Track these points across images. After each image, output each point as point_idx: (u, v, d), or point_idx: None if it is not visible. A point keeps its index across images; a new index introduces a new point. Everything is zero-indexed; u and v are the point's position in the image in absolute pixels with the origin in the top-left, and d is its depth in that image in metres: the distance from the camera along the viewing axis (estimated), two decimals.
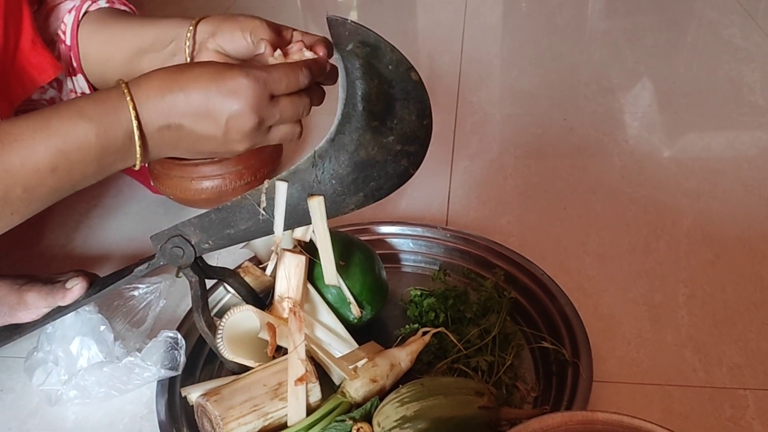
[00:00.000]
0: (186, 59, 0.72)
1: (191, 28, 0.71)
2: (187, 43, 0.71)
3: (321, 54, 0.64)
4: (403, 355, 0.70)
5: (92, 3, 0.77)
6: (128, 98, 0.56)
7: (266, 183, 0.63)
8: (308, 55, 0.64)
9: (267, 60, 0.64)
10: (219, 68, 0.57)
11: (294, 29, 0.70)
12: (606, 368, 0.73)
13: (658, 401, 0.70)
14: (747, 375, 0.72)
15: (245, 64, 0.60)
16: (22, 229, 1.01)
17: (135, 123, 0.56)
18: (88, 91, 0.79)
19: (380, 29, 0.58)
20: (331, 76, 0.65)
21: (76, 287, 0.72)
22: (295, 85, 0.58)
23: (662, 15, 1.57)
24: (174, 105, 0.56)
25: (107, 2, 0.78)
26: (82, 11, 0.76)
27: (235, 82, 0.56)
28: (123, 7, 0.80)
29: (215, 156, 0.61)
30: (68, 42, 0.76)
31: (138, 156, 0.58)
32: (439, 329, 0.72)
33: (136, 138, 0.56)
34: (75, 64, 0.77)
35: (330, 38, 0.60)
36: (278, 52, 0.64)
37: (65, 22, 0.76)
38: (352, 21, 0.57)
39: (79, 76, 0.78)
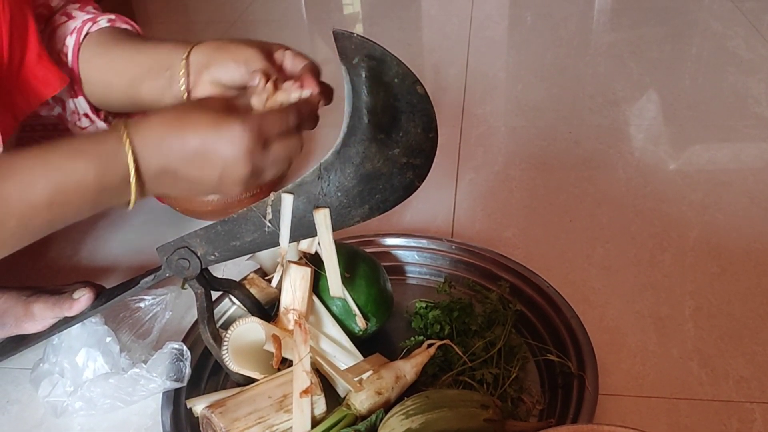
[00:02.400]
0: (181, 90, 0.71)
1: (184, 59, 0.71)
2: (182, 73, 0.71)
3: (310, 88, 0.64)
4: (408, 368, 0.70)
5: (93, 24, 0.77)
6: (126, 144, 0.57)
7: (272, 195, 0.64)
8: (296, 95, 0.63)
9: (259, 92, 0.65)
10: (216, 117, 0.57)
11: (286, 48, 0.69)
12: (612, 381, 0.73)
13: (664, 414, 0.70)
14: (754, 388, 0.72)
15: (239, 107, 0.60)
16: None
17: (132, 168, 0.57)
18: (90, 113, 0.79)
19: (386, 42, 0.59)
20: (325, 98, 0.65)
21: (82, 298, 0.72)
22: (286, 129, 0.59)
23: (667, 27, 1.58)
24: (171, 151, 0.57)
25: (108, 21, 0.77)
26: (83, 34, 0.76)
27: (231, 133, 0.56)
28: (124, 25, 0.79)
29: (210, 195, 0.62)
30: (70, 64, 0.76)
31: (133, 197, 0.59)
32: (444, 341, 0.72)
33: (133, 181, 0.57)
34: (76, 87, 0.77)
35: (324, 58, 0.60)
36: (269, 85, 0.64)
37: (67, 44, 0.76)
38: (358, 35, 0.58)
39: (81, 98, 0.78)
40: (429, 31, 1.71)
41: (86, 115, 0.79)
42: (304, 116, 0.61)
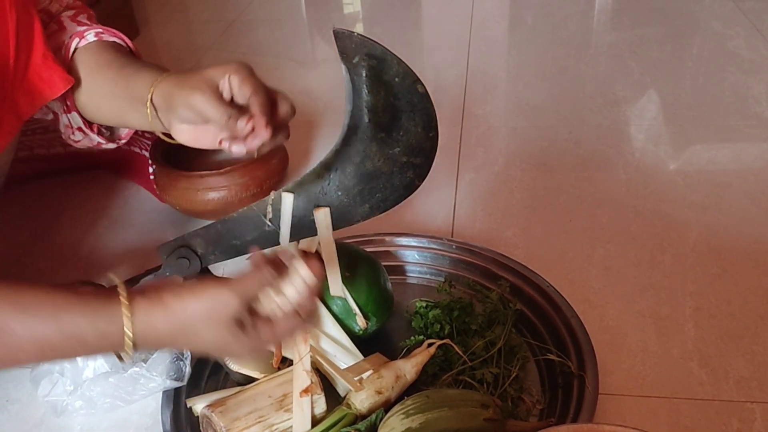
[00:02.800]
0: (154, 125, 0.71)
1: (149, 101, 0.69)
2: (152, 115, 0.69)
3: (260, 136, 0.63)
4: (408, 367, 0.70)
5: (81, 39, 0.75)
6: (127, 328, 0.54)
7: (272, 194, 0.64)
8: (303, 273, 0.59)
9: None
10: (217, 310, 0.55)
11: (233, 73, 0.64)
12: (612, 381, 0.73)
13: (664, 414, 0.70)
14: (754, 388, 0.72)
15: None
16: (30, 239, 1.02)
17: (130, 340, 0.54)
18: (83, 127, 0.78)
19: (386, 42, 0.59)
20: (283, 132, 0.65)
21: None
22: (264, 285, 0.56)
23: (667, 27, 1.58)
24: (172, 336, 0.55)
25: (95, 36, 0.76)
26: (71, 51, 0.75)
27: (228, 311, 0.54)
28: (112, 38, 0.77)
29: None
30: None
31: (129, 352, 0.56)
32: (444, 341, 0.72)
33: (130, 343, 0.55)
34: (69, 103, 0.77)
35: (335, 50, 0.60)
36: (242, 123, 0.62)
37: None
38: (358, 34, 0.58)
39: (74, 114, 0.77)
40: (429, 31, 1.71)
41: (80, 129, 0.79)
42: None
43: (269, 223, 0.64)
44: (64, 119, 0.79)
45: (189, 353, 0.72)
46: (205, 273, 0.69)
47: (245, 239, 0.65)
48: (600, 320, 0.80)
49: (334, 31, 0.58)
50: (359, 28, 1.73)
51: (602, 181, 1.06)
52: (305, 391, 0.65)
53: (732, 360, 0.75)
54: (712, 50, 1.48)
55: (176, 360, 0.72)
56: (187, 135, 0.69)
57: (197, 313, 0.54)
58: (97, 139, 0.81)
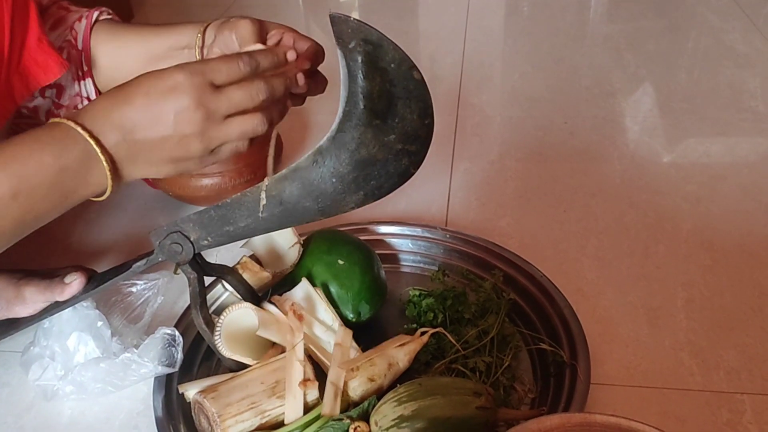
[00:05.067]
0: None
1: (199, 35, 0.73)
2: (197, 49, 0.73)
3: (291, 54, 0.64)
4: (401, 355, 0.70)
5: (99, 13, 0.79)
6: (72, 123, 0.56)
7: (266, 180, 0.63)
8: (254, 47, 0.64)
9: None
10: (156, 72, 0.57)
11: (286, 30, 0.70)
12: (603, 371, 0.73)
13: (655, 404, 0.70)
14: (744, 379, 0.72)
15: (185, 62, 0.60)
16: None
17: (91, 140, 0.56)
18: (94, 96, 0.80)
19: (382, 30, 0.58)
20: (316, 86, 0.66)
21: (74, 282, 0.71)
22: (235, 73, 0.58)
23: (664, 20, 1.57)
24: (122, 116, 0.56)
25: (108, 14, 0.80)
26: (93, 18, 0.78)
27: (172, 79, 0.56)
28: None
29: (182, 166, 0.60)
30: (80, 46, 0.77)
31: (108, 172, 0.57)
32: (437, 329, 0.72)
33: (98, 152, 0.56)
34: (86, 68, 0.78)
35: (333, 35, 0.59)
36: (257, 46, 0.64)
37: (75, 29, 0.77)
38: (354, 19, 0.57)
39: (88, 80, 0.79)
40: (425, 20, 1.70)
41: (88, 98, 0.79)
42: (261, 64, 0.59)
43: (263, 210, 0.64)
44: (74, 88, 0.78)
45: (180, 340, 0.72)
46: (197, 260, 0.69)
47: (239, 225, 0.65)
48: (592, 310, 0.81)
49: (330, 15, 0.58)
50: (355, 16, 1.72)
51: (597, 171, 1.06)
52: (304, 383, 0.65)
53: (723, 351, 0.75)
54: (708, 44, 1.48)
55: (168, 346, 0.72)
56: None
57: (144, 85, 0.56)
58: None
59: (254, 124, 0.60)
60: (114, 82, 0.77)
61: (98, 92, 0.80)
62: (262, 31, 0.69)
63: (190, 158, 0.59)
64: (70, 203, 0.59)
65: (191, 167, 0.61)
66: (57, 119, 0.57)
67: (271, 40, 0.70)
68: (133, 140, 0.57)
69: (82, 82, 0.78)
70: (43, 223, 0.60)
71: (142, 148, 0.58)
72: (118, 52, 0.77)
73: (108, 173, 0.57)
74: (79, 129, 0.56)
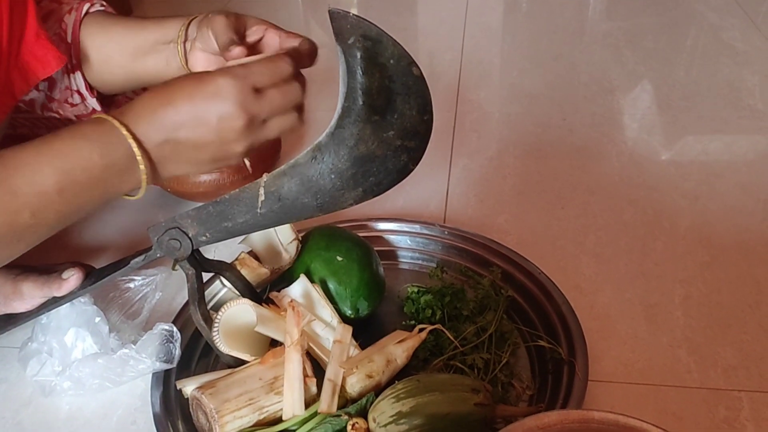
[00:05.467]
0: (180, 59, 0.74)
1: (183, 28, 0.73)
2: (180, 43, 0.73)
3: (297, 43, 0.65)
4: (399, 352, 0.70)
5: (91, 5, 0.78)
6: (117, 123, 0.57)
7: (265, 176, 0.63)
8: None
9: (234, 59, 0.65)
10: (199, 75, 0.59)
11: (268, 26, 0.69)
12: (601, 368, 0.73)
13: (652, 401, 0.70)
14: (742, 377, 0.72)
15: (227, 66, 0.60)
16: None
17: (133, 143, 0.57)
18: (83, 90, 0.79)
19: (381, 26, 0.58)
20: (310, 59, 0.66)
21: (71, 278, 0.71)
22: (278, 76, 0.59)
23: (663, 17, 1.57)
24: (165, 119, 0.57)
25: (101, 6, 0.79)
26: (83, 11, 0.77)
27: (216, 84, 0.57)
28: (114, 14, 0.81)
29: (220, 164, 0.62)
30: (69, 39, 0.77)
31: (143, 176, 0.59)
32: (435, 326, 0.72)
33: (138, 155, 0.57)
34: (75, 61, 0.77)
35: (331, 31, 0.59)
36: (238, 49, 0.64)
37: (65, 21, 0.76)
38: (354, 14, 0.57)
39: (78, 74, 0.78)
40: (424, 16, 1.70)
41: (78, 92, 0.79)
42: (298, 62, 0.61)
43: (261, 206, 0.64)
44: (64, 81, 0.78)
45: (178, 336, 0.72)
46: (195, 256, 0.68)
47: (237, 221, 0.65)
48: (590, 307, 0.81)
49: (329, 11, 0.58)
50: (354, 12, 1.71)
51: (595, 168, 1.06)
52: (303, 379, 0.65)
53: (720, 348, 0.76)
54: (706, 41, 1.48)
55: (166, 342, 0.72)
56: (201, 63, 0.71)
57: (188, 88, 0.57)
58: (93, 104, 0.81)
59: (292, 122, 0.61)
60: (102, 75, 0.78)
61: (87, 85, 0.79)
62: (239, 26, 0.68)
63: (230, 158, 0.61)
64: (110, 199, 0.60)
65: (231, 163, 0.62)
66: (102, 116, 0.58)
67: (252, 37, 0.69)
68: (176, 142, 0.58)
69: (71, 75, 0.78)
70: (81, 218, 0.61)
71: (183, 150, 0.59)
72: (106, 45, 0.77)
73: (144, 176, 0.59)
74: (123, 130, 0.57)
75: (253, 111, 0.58)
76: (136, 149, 0.57)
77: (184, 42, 0.73)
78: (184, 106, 0.57)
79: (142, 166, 0.58)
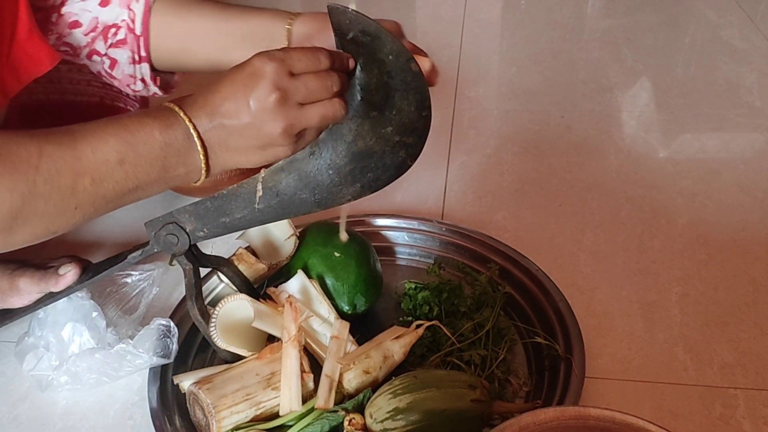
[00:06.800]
0: None
1: (287, 27, 0.73)
2: (285, 42, 0.72)
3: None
4: (396, 348, 0.70)
5: None
6: (176, 107, 0.59)
7: (263, 172, 0.63)
8: None
9: None
10: (243, 61, 0.59)
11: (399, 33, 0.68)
12: (598, 365, 0.73)
13: (648, 398, 0.70)
14: (738, 374, 0.72)
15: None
16: None
17: (189, 124, 0.59)
18: (148, 79, 0.79)
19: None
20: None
21: (68, 273, 0.71)
22: (314, 65, 0.58)
23: (661, 15, 1.57)
24: (212, 104, 0.59)
25: None
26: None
27: (251, 66, 0.58)
28: None
29: (267, 155, 0.61)
30: (138, 31, 0.75)
31: (201, 156, 0.60)
32: (432, 322, 0.72)
33: (194, 135, 0.59)
34: (144, 53, 0.77)
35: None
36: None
37: (133, 9, 0.75)
38: (353, 10, 0.57)
39: (144, 65, 0.78)
40: (423, 13, 1.70)
41: (142, 80, 0.79)
42: (335, 63, 0.60)
43: (259, 201, 0.64)
44: (128, 69, 0.78)
45: (176, 331, 0.72)
46: (192, 252, 0.68)
47: (235, 216, 0.65)
48: (588, 304, 0.81)
49: (328, 6, 0.58)
50: (353, 7, 1.71)
51: (593, 166, 1.06)
52: (301, 374, 0.65)
53: (716, 346, 0.76)
54: (705, 39, 1.48)
55: (163, 337, 0.72)
56: None
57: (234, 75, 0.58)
58: (154, 89, 0.81)
59: (334, 109, 0.60)
60: (180, 65, 0.79)
61: (153, 76, 0.79)
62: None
63: (275, 144, 0.60)
64: (170, 179, 0.61)
65: (279, 154, 0.61)
66: (164, 103, 0.61)
67: None
68: (222, 126, 0.59)
69: (137, 65, 0.78)
70: (142, 198, 0.62)
71: (230, 135, 0.59)
72: (185, 39, 0.76)
73: (202, 157, 0.60)
74: (181, 113, 0.59)
75: (286, 88, 0.57)
76: (192, 131, 0.59)
77: (289, 43, 0.72)
78: (226, 90, 0.58)
79: (199, 147, 0.59)
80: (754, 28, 1.47)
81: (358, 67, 0.59)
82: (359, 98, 0.60)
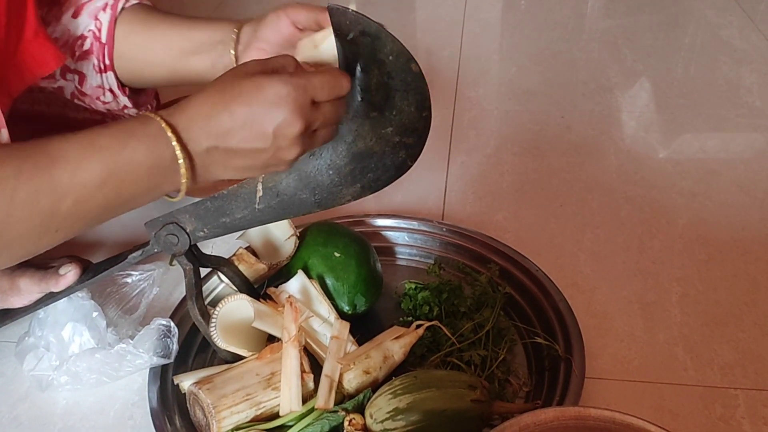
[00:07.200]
0: (231, 60, 0.74)
1: (235, 30, 0.74)
2: (233, 44, 0.73)
3: None
4: (396, 348, 0.70)
5: (126, 1, 0.77)
6: (165, 124, 0.56)
7: None
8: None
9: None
10: (259, 81, 0.56)
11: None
12: (598, 365, 0.74)
13: (648, 399, 0.70)
14: (738, 374, 0.72)
15: (277, 66, 0.59)
16: None
17: (177, 146, 0.56)
18: (115, 89, 0.79)
19: (379, 22, 0.58)
20: None
21: (69, 273, 0.71)
22: (337, 93, 0.58)
23: (661, 15, 1.57)
24: (220, 125, 0.56)
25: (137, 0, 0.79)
26: (119, 8, 0.76)
27: (276, 92, 0.55)
28: (148, 4, 0.80)
29: (267, 171, 0.61)
30: (103, 39, 0.76)
31: (184, 179, 0.57)
32: (432, 323, 0.72)
33: (180, 160, 0.56)
34: (108, 62, 0.77)
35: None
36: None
37: (100, 19, 0.76)
38: (353, 10, 0.57)
39: (110, 73, 0.78)
40: (423, 13, 1.70)
41: (111, 91, 0.79)
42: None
43: (259, 201, 0.64)
44: (95, 80, 0.78)
45: (176, 331, 0.72)
46: (192, 252, 0.68)
47: (235, 217, 0.65)
48: (588, 305, 0.81)
49: (328, 7, 0.58)
50: (353, 8, 1.71)
51: (593, 166, 1.06)
52: (301, 374, 0.65)
53: (716, 346, 0.76)
54: (705, 39, 1.48)
55: (164, 337, 0.72)
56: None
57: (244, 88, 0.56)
58: (124, 101, 0.80)
59: (332, 134, 0.60)
60: (143, 72, 0.78)
61: (120, 84, 0.79)
62: (313, 15, 0.69)
63: (279, 165, 0.59)
64: (154, 196, 0.59)
65: (279, 171, 0.61)
66: (151, 114, 0.57)
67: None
68: (227, 148, 0.57)
69: (103, 74, 0.78)
70: (128, 211, 0.60)
71: (234, 156, 0.57)
72: (147, 45, 0.77)
73: (184, 179, 0.58)
74: (169, 132, 0.56)
75: (309, 120, 0.56)
76: (179, 152, 0.56)
77: (236, 43, 0.73)
78: (241, 112, 0.55)
79: (183, 170, 0.57)
80: (754, 28, 1.47)
81: (359, 67, 0.59)
82: (359, 99, 0.60)
